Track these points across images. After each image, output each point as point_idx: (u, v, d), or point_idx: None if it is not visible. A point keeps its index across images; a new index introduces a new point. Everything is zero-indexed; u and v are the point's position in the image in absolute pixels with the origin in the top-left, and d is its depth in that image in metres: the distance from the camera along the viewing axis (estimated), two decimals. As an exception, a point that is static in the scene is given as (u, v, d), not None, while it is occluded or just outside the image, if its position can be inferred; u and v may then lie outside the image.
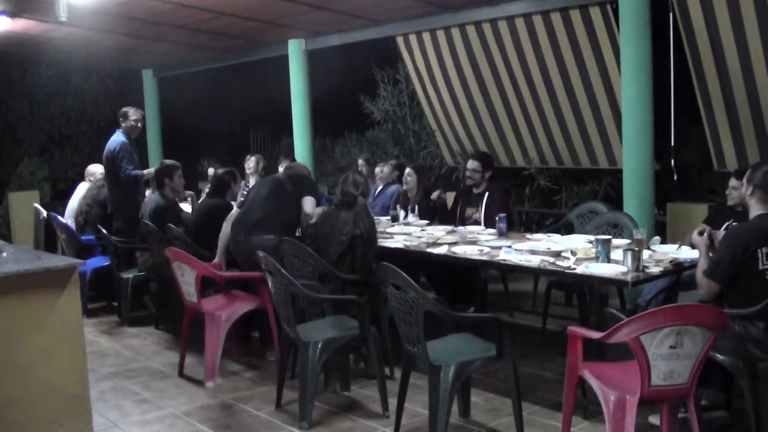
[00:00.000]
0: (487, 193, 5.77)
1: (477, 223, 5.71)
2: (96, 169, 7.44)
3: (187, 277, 4.70)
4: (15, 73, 11.45)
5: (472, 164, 5.88)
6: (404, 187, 6.41)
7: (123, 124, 6.76)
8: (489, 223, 5.54)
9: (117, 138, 6.71)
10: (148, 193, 6.61)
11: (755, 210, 3.53)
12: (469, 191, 5.96)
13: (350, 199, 4.65)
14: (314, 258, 4.52)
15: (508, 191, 8.12)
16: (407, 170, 6.39)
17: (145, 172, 6.75)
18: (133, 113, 6.80)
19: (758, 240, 3.41)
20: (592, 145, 7.31)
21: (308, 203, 4.95)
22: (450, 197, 6.60)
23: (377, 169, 7.29)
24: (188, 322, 4.85)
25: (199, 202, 6.22)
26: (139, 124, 6.87)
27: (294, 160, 8.06)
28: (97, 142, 11.08)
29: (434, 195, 6.18)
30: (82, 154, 11.55)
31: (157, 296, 6.17)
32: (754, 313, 3.37)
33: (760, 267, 3.41)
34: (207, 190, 6.30)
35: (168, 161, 6.16)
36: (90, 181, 7.36)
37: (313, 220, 4.80)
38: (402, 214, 6.19)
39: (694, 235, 3.72)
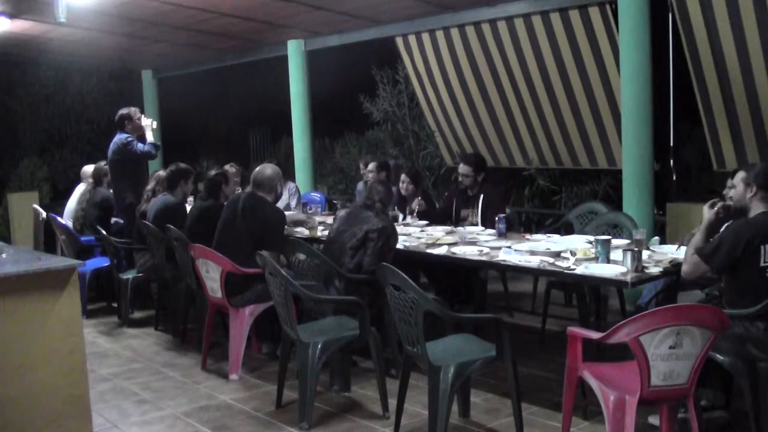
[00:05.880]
0: (482, 195, 5.72)
1: (473, 224, 5.69)
2: (89, 170, 7.42)
3: (212, 273, 4.78)
4: (15, 74, 11.43)
5: (463, 169, 5.79)
6: (403, 192, 6.41)
7: (129, 126, 6.66)
8: (486, 224, 5.53)
9: (119, 135, 6.65)
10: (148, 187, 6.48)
11: (758, 209, 3.52)
12: (464, 192, 5.94)
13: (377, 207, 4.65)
14: (319, 257, 4.54)
15: (505, 191, 8.12)
16: (402, 176, 6.43)
17: (150, 137, 6.66)
18: (135, 112, 6.74)
19: (762, 236, 3.41)
20: (592, 146, 7.31)
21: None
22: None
23: (369, 175, 6.94)
24: (211, 318, 4.99)
25: (192, 204, 6.21)
26: (143, 120, 6.81)
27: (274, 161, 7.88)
28: (97, 143, 11.09)
29: (414, 204, 6.16)
30: (82, 155, 11.52)
31: (158, 297, 6.16)
32: (754, 314, 3.36)
33: (761, 264, 3.40)
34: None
35: (183, 165, 6.16)
36: (86, 182, 7.36)
37: (337, 218, 4.84)
38: (400, 216, 6.19)
39: (705, 207, 3.68)
